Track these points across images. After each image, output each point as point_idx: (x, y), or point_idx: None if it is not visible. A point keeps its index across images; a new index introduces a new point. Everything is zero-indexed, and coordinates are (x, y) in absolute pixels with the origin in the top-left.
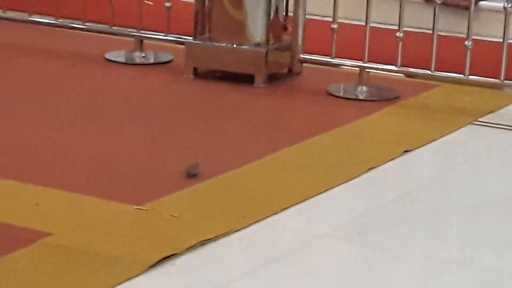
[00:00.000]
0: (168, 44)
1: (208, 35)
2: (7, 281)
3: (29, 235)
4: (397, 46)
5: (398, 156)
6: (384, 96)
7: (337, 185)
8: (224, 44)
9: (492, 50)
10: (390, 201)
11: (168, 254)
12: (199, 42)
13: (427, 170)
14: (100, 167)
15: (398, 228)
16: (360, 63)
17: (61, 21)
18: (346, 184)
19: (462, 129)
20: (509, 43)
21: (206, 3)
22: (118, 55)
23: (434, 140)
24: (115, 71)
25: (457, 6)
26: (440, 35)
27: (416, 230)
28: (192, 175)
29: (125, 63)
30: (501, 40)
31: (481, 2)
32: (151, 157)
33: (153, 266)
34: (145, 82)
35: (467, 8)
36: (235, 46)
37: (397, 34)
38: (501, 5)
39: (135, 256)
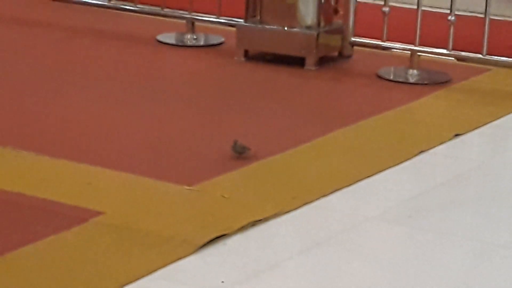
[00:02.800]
0: (219, 27)
1: (259, 17)
2: (60, 259)
3: (82, 214)
4: (449, 29)
5: (448, 140)
6: (435, 79)
7: (387, 168)
8: (275, 27)
9: None
10: (440, 184)
11: (219, 234)
12: (251, 24)
13: (477, 153)
14: (151, 147)
15: (448, 211)
16: (411, 47)
17: (113, 2)
18: (396, 167)
19: None
20: None
21: None
22: (169, 37)
23: (485, 124)
24: (166, 53)
25: None
26: (492, 19)
27: (466, 214)
28: (238, 153)
29: (176, 45)
30: None
31: None
32: (202, 138)
33: (204, 246)
34: (196, 64)
35: None
36: (286, 28)
37: (449, 17)
38: None
39: (186, 235)
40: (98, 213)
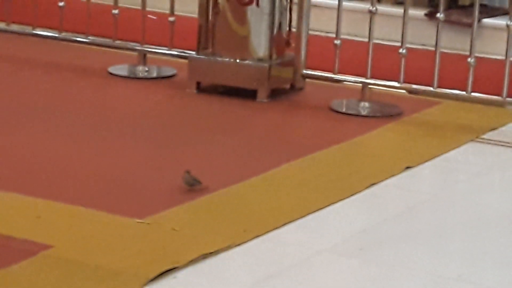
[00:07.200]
0: (172, 59)
1: (211, 49)
2: None
3: (31, 247)
4: (400, 62)
5: (399, 172)
6: (387, 112)
7: (339, 201)
8: (227, 59)
9: (494, 67)
10: (391, 217)
11: (169, 267)
12: (202, 56)
13: (428, 186)
14: (101, 180)
15: (399, 244)
16: (362, 79)
17: (64, 34)
18: (347, 200)
19: (464, 146)
20: (511, 61)
21: (210, 18)
22: (121, 69)
23: (436, 156)
24: (118, 85)
25: (459, 24)
26: (442, 52)
27: (417, 246)
28: (189, 185)
29: (128, 77)
30: (503, 57)
31: (484, 20)
32: (153, 171)
33: (153, 279)
34: (148, 96)
35: (469, 25)
36: (238, 61)
37: (400, 50)
38: (503, 22)
39: (136, 269)
40: (47, 247)
